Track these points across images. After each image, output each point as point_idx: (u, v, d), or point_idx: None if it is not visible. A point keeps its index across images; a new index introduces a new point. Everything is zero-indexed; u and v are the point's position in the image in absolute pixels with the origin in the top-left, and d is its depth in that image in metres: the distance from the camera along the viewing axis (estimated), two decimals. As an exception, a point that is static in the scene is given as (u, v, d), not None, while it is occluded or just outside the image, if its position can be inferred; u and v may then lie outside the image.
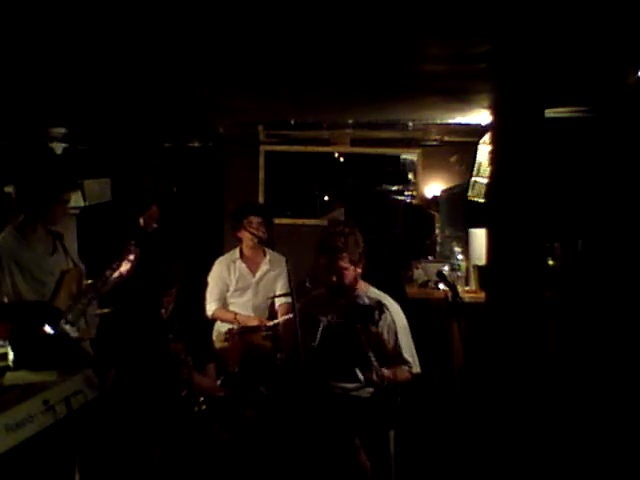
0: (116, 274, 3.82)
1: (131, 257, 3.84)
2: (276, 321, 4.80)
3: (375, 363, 3.57)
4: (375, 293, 3.87)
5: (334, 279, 3.74)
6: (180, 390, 3.67)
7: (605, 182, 4.30)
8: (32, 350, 3.42)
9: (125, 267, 3.84)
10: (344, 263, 3.72)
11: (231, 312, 4.97)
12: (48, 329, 3.49)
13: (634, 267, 4.16)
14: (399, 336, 3.75)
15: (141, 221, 3.89)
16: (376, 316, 3.69)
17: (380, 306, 3.71)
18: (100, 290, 3.83)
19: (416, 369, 3.80)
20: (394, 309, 3.81)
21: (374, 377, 3.58)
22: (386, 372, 3.62)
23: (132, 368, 3.78)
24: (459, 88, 4.14)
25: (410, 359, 3.78)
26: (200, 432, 3.57)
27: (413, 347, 3.82)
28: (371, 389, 3.71)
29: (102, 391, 3.19)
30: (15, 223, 3.75)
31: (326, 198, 7.22)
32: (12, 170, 4.02)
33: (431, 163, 6.73)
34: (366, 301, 3.75)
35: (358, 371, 3.64)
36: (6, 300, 3.61)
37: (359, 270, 3.80)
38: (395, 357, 3.75)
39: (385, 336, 3.73)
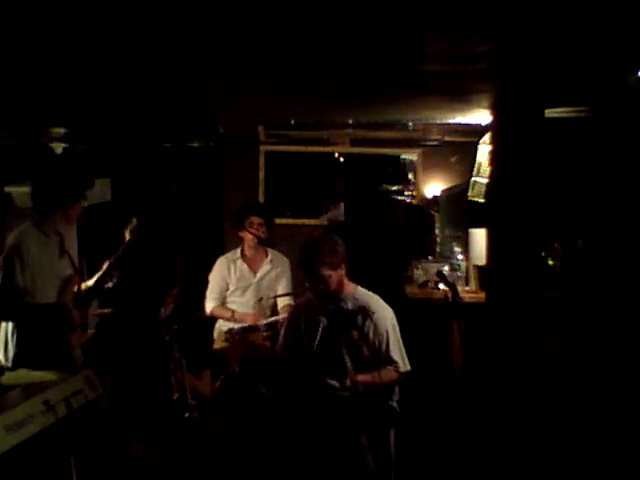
0: (110, 284, 3.84)
1: (112, 278, 3.86)
2: (271, 319, 4.81)
3: (350, 368, 3.56)
4: (362, 294, 3.86)
5: (321, 287, 3.75)
6: (172, 393, 3.64)
7: (605, 182, 4.30)
8: (36, 351, 3.42)
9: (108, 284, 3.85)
10: (325, 271, 3.72)
11: (229, 310, 4.98)
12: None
13: (634, 267, 4.16)
14: (386, 337, 3.75)
15: (127, 234, 3.92)
16: (359, 321, 3.70)
17: (364, 311, 3.72)
18: (94, 296, 3.84)
19: (405, 368, 3.80)
20: (381, 310, 3.80)
21: (347, 382, 3.58)
22: (360, 377, 3.61)
23: (128, 368, 3.76)
24: (459, 88, 4.13)
25: (398, 359, 3.78)
26: (194, 435, 3.54)
27: (402, 346, 3.82)
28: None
29: (102, 391, 3.18)
30: (34, 220, 3.72)
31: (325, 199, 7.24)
32: (13, 170, 4.01)
33: (431, 163, 6.73)
34: (350, 306, 3.76)
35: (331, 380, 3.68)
36: (21, 298, 3.58)
37: (342, 272, 3.79)
38: (381, 358, 3.76)
39: (371, 338, 3.73)
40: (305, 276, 3.87)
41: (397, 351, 3.79)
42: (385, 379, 3.72)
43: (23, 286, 3.58)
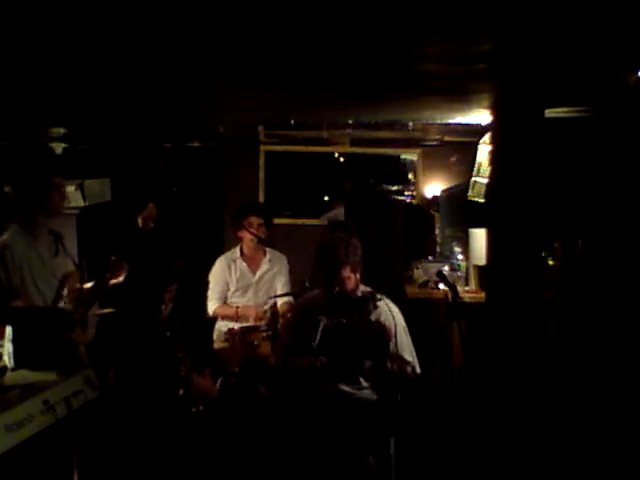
0: (112, 282, 3.82)
1: (122, 272, 3.83)
2: (269, 304, 4.82)
3: (391, 347, 3.49)
4: (368, 289, 3.84)
5: (336, 289, 3.70)
6: (177, 388, 3.66)
7: (605, 182, 4.30)
8: (34, 352, 3.41)
9: (117, 279, 3.83)
10: (346, 273, 3.69)
11: (232, 307, 4.99)
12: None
13: (634, 267, 4.16)
14: (398, 336, 3.71)
15: (139, 221, 3.86)
16: (371, 306, 3.64)
17: (373, 296, 3.66)
18: (98, 294, 3.82)
19: (417, 369, 3.76)
20: (393, 307, 3.77)
21: (391, 366, 3.51)
22: (405, 356, 3.58)
23: (130, 366, 3.77)
24: (459, 88, 4.14)
25: (411, 359, 3.74)
26: (200, 431, 3.56)
27: (413, 348, 3.79)
28: (370, 391, 3.70)
29: (102, 391, 3.18)
30: (20, 222, 3.72)
31: (326, 198, 7.26)
32: (12, 170, 4.01)
33: (431, 163, 6.74)
34: (359, 294, 3.72)
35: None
36: (19, 303, 3.56)
37: (359, 276, 3.78)
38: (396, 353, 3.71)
39: (382, 322, 3.67)
40: (322, 276, 3.79)
41: (409, 352, 3.71)
42: (407, 372, 3.66)
43: (13, 288, 3.58)
